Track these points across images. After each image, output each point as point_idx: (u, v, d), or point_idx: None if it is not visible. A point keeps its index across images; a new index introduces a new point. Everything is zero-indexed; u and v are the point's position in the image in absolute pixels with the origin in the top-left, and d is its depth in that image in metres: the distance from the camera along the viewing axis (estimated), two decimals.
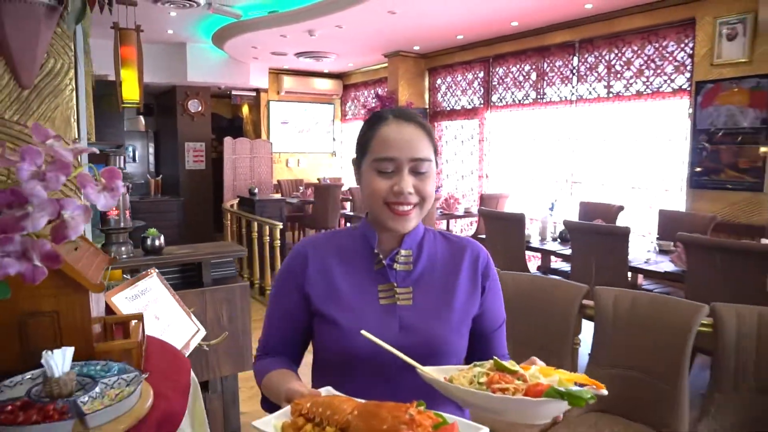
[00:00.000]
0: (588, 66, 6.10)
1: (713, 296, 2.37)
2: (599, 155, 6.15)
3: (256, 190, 6.85)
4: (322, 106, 10.45)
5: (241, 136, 9.59)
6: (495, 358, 0.96)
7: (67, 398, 1.07)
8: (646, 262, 3.78)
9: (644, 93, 5.55)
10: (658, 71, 5.43)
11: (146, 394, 1.17)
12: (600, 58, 5.97)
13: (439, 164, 1.19)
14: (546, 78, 6.60)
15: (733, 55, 4.67)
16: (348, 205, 8.64)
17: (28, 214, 0.92)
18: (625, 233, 3.65)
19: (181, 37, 7.76)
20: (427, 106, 8.46)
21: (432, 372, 0.99)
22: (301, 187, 9.20)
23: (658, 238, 4.48)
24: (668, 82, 5.35)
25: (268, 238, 5.60)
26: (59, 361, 1.09)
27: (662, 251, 4.04)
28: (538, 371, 0.90)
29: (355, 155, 1.25)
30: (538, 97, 6.70)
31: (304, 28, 6.49)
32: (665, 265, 3.68)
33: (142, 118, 9.34)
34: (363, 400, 0.90)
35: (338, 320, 1.16)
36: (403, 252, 1.22)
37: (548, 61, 6.55)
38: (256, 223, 5.85)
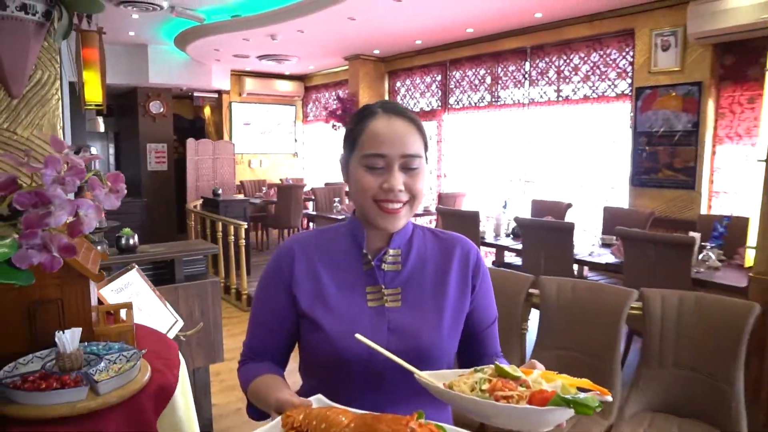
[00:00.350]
0: (539, 71, 6.45)
1: (646, 284, 2.65)
2: (550, 155, 6.50)
3: (220, 191, 6.95)
4: (284, 108, 10.58)
5: (203, 137, 9.64)
6: (497, 363, 0.93)
7: (78, 371, 1.25)
8: (590, 255, 4.10)
9: (590, 97, 5.93)
10: (603, 77, 5.81)
11: (144, 369, 1.35)
12: (550, 63, 6.32)
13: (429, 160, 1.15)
14: (500, 82, 6.92)
15: (668, 64, 5.07)
16: (311, 204, 8.81)
17: (50, 213, 1.09)
18: (569, 228, 3.96)
19: (143, 38, 7.78)
20: None
21: (430, 377, 0.96)
22: (264, 188, 9.32)
23: (602, 233, 4.82)
24: (612, 87, 5.73)
25: (233, 237, 5.73)
26: (70, 339, 1.27)
27: (605, 245, 4.37)
28: (540, 376, 0.88)
29: (342, 151, 1.19)
30: (493, 99, 7.02)
31: (267, 33, 6.64)
32: (606, 257, 4.01)
33: (100, 119, 9.28)
34: (359, 411, 0.87)
35: (326, 324, 1.11)
36: (391, 251, 1.17)
37: (502, 65, 6.88)
38: (220, 223, 5.96)
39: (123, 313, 1.70)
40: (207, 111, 10.46)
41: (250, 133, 10.19)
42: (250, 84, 9.78)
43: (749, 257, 2.95)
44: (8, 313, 1.35)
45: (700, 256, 3.57)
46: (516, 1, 5.31)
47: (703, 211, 4.94)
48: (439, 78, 7.85)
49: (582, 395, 0.82)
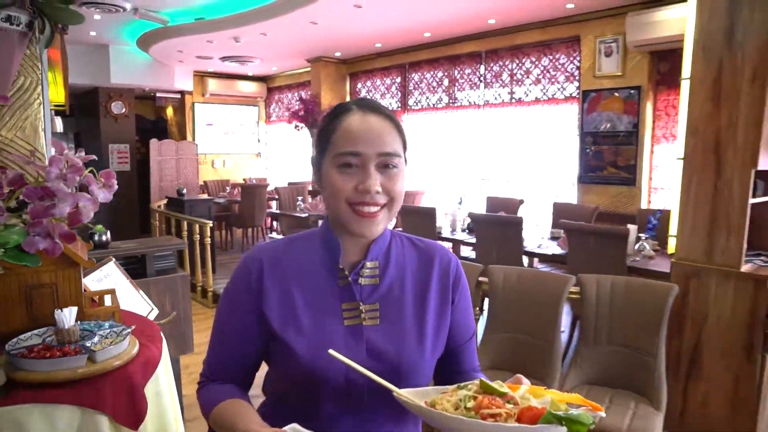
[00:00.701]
0: (493, 74, 6.76)
1: (587, 272, 2.90)
2: (504, 154, 6.83)
3: (185, 191, 7.05)
4: (247, 108, 10.68)
5: (165, 137, 9.67)
6: (481, 379, 0.88)
7: (76, 343, 1.43)
8: (539, 247, 4.40)
9: (541, 99, 6.27)
10: (553, 80, 6.16)
11: (133, 342, 1.55)
12: (503, 67, 6.64)
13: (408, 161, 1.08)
14: (457, 84, 7.22)
15: (610, 69, 5.44)
16: (274, 203, 8.95)
17: (55, 205, 1.28)
18: (518, 222, 4.26)
19: (104, 39, 7.79)
20: None
21: (410, 395, 0.90)
22: (227, 188, 9.41)
23: (552, 227, 5.14)
24: (561, 90, 6.09)
25: (198, 236, 5.85)
26: (68, 316, 1.45)
27: (553, 238, 4.69)
28: (527, 392, 0.84)
29: (314, 152, 1.10)
30: (450, 101, 7.31)
31: (230, 35, 6.77)
32: (553, 248, 4.32)
33: (59, 119, 9.19)
34: None
35: (298, 347, 1.01)
36: (368, 264, 1.07)
37: (458, 68, 7.18)
38: (186, 222, 6.07)
39: (107, 299, 1.88)
40: (169, 111, 10.48)
41: (213, 134, 10.26)
42: (212, 85, 9.86)
43: (671, 245, 3.27)
44: (8, 296, 1.53)
45: (636, 246, 3.90)
46: (471, 8, 5.59)
47: (644, 205, 5.33)
48: (398, 80, 8.11)
49: (574, 411, 0.78)
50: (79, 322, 1.58)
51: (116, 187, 1.41)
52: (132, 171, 9.22)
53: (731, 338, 2.73)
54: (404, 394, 0.90)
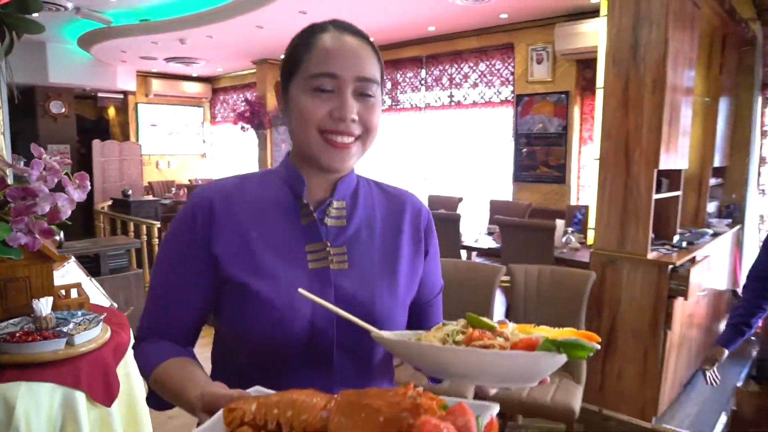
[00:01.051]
0: (434, 78, 7.08)
1: (519, 263, 3.20)
2: (445, 154, 7.16)
3: (130, 192, 7.03)
4: (192, 109, 10.64)
5: (107, 138, 9.53)
6: (469, 313, 0.80)
7: (53, 329, 1.59)
8: (475, 241, 4.72)
9: (479, 102, 6.63)
10: (489, 84, 6.52)
11: (105, 328, 1.72)
12: (443, 71, 6.97)
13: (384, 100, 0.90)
14: (399, 87, 7.51)
15: (542, 75, 5.84)
16: None
17: (36, 204, 1.43)
18: (456, 219, 4.56)
19: (41, 36, 7.64)
20: None
21: (391, 336, 0.82)
22: (173, 188, 9.38)
23: (488, 223, 5.48)
24: (497, 93, 6.46)
25: (145, 237, 5.88)
26: (44, 305, 1.61)
27: (489, 233, 5.02)
28: (516, 329, 0.77)
29: (280, 78, 0.97)
30: (393, 103, 7.59)
31: (176, 37, 6.81)
32: (489, 242, 4.64)
33: None
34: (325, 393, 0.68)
35: (258, 291, 0.89)
36: (335, 204, 0.97)
37: (401, 72, 7.46)
38: (132, 224, 6.09)
39: (73, 292, 2.02)
40: (111, 111, 10.32)
41: (158, 134, 10.18)
42: (156, 85, 9.79)
43: (590, 237, 3.63)
44: None
45: (564, 239, 4.27)
46: (412, 16, 5.86)
47: (573, 202, 5.74)
48: None
49: (573, 339, 0.71)
50: (53, 311, 1.73)
51: (89, 187, 1.57)
52: (72, 172, 9.03)
53: (641, 318, 3.09)
54: (384, 334, 0.82)
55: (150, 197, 8.31)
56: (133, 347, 0.99)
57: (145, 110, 9.99)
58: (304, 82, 0.89)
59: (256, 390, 0.73)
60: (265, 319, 0.89)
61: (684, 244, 3.47)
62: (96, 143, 8.57)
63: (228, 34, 6.69)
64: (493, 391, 0.94)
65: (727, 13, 3.72)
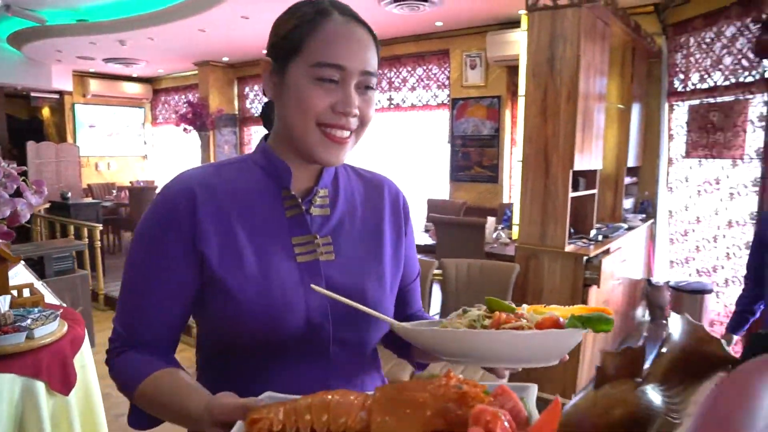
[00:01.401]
0: None
1: (452, 257, 3.45)
2: (385, 155, 7.40)
3: (69, 194, 6.92)
4: (132, 110, 10.49)
5: (42, 139, 9.27)
6: (488, 297, 0.81)
7: (12, 324, 1.72)
8: None
9: (417, 105, 6.91)
10: (427, 88, 6.81)
11: (62, 323, 1.85)
12: (383, 75, 7.21)
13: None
14: None
15: (475, 80, 6.17)
16: None
17: None
18: None
19: None
20: (237, 113, 9.13)
21: (414, 326, 0.81)
22: (114, 190, 9.24)
23: (426, 221, 5.76)
24: (434, 97, 6.76)
25: (87, 240, 5.85)
26: (3, 303, 1.73)
27: (426, 230, 5.30)
28: (529, 310, 0.79)
29: (269, 56, 0.90)
30: None
31: (115, 39, 6.75)
32: (425, 239, 4.91)
33: None
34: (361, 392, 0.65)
35: (249, 292, 0.85)
36: (321, 192, 0.95)
37: None
38: (72, 227, 6.03)
39: (26, 291, 2.13)
40: (46, 112, 10.05)
41: (97, 136, 9.99)
42: (94, 85, 9.61)
43: (515, 232, 3.95)
44: None
45: (494, 235, 4.57)
46: None
47: (505, 200, 6.09)
48: None
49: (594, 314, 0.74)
50: (10, 309, 1.85)
51: (46, 192, 1.71)
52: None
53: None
54: (406, 325, 0.81)
55: (90, 200, 8.18)
56: (108, 362, 0.90)
57: (83, 111, 9.79)
58: (307, 68, 0.84)
59: (269, 396, 0.69)
60: (259, 317, 0.85)
61: (600, 237, 3.82)
62: (31, 145, 8.35)
63: (169, 37, 6.70)
64: (506, 374, 0.92)
65: (634, 30, 4.11)
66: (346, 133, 0.87)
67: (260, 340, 0.85)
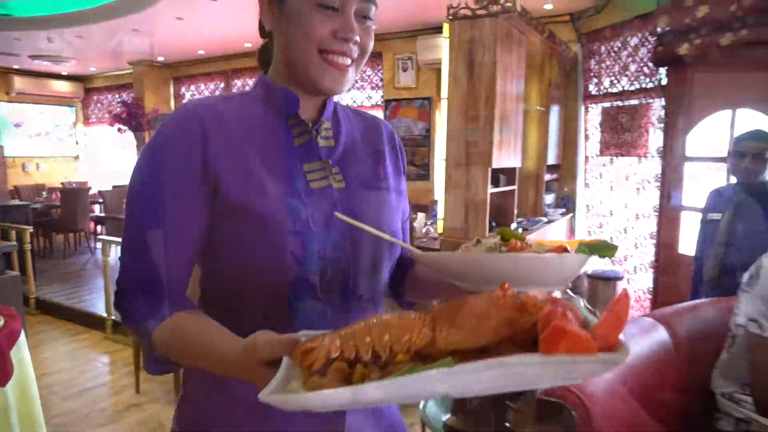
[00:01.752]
0: None
1: None
2: None
3: None
4: (62, 109, 10.19)
5: None
6: (501, 227, 0.82)
7: None
8: None
9: (351, 106, 7.06)
10: (361, 89, 7.01)
11: None
12: None
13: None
14: None
15: (407, 82, 6.42)
16: (97, 207, 8.77)
17: None
18: None
19: None
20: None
21: (434, 253, 0.83)
22: (44, 192, 8.98)
23: None
24: (368, 98, 6.97)
25: (15, 243, 5.72)
26: None
27: None
28: (534, 242, 0.81)
29: None
30: None
31: (43, 36, 6.60)
32: None
33: None
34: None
35: (268, 216, 0.81)
36: (325, 124, 0.94)
37: None
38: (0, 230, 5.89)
39: None
40: None
41: (23, 136, 9.65)
42: (19, 83, 9.28)
43: (440, 227, 4.20)
44: None
45: (424, 230, 4.82)
46: None
47: (437, 197, 6.36)
48: (222, 85, 8.45)
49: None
50: None
51: None
52: None
53: None
54: (427, 253, 0.81)
55: (18, 201, 7.93)
56: (117, 305, 0.83)
57: (7, 109, 9.43)
58: None
59: (304, 334, 0.64)
60: (277, 247, 0.81)
61: (520, 230, 4.12)
62: None
63: (101, 36, 6.60)
64: None
65: (548, 38, 4.44)
66: (348, 60, 0.85)
67: (281, 273, 0.81)
